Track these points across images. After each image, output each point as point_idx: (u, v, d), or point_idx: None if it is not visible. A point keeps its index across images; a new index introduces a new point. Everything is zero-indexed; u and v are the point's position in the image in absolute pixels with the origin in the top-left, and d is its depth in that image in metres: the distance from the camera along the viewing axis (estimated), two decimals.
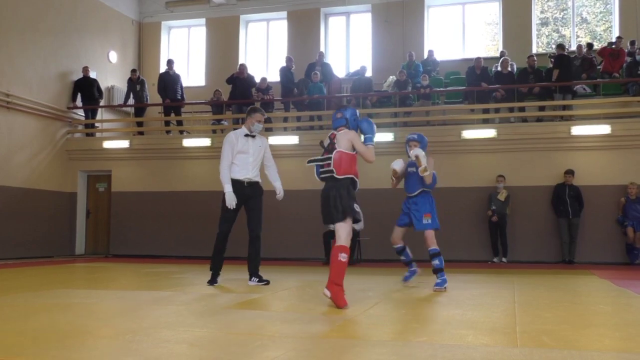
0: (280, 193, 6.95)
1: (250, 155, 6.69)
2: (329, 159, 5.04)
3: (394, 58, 14.90)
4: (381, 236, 12.20)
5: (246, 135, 6.70)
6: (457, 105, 13.50)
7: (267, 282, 6.77)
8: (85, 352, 3.25)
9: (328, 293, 4.83)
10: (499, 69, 13.15)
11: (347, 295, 4.96)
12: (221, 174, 6.60)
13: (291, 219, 12.44)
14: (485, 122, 12.65)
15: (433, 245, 6.36)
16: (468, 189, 12.15)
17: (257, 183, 6.78)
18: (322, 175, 5.13)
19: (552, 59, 12.95)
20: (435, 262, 6.32)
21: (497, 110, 12.85)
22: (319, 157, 5.17)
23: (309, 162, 5.27)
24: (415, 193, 6.62)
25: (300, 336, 3.70)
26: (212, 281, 6.84)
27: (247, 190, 6.67)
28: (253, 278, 6.83)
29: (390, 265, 10.65)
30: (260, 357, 3.10)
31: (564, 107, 12.48)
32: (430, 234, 6.39)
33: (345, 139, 5.09)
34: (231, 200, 6.51)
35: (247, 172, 6.68)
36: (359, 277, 8.17)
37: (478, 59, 13.25)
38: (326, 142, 5.19)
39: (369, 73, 14.93)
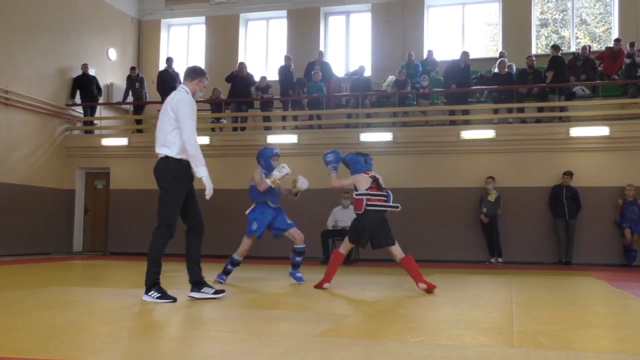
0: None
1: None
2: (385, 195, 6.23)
3: (394, 58, 14.90)
4: None
5: None
6: (456, 106, 13.49)
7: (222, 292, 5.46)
8: (83, 349, 3.26)
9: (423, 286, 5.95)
10: (496, 70, 13.17)
11: (347, 295, 4.98)
12: (195, 147, 5.10)
13: (290, 218, 12.43)
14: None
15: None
16: (467, 189, 12.16)
17: None
18: (378, 207, 6.14)
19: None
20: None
21: (496, 111, 12.88)
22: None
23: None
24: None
25: (297, 335, 3.71)
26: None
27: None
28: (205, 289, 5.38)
29: (388, 265, 10.66)
30: (259, 356, 3.11)
31: (562, 109, 12.50)
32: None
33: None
34: (211, 188, 5.23)
35: None
36: (357, 276, 8.18)
37: (465, 52, 13.19)
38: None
39: (368, 73, 14.92)
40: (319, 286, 6.30)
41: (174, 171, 5.10)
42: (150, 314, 4.55)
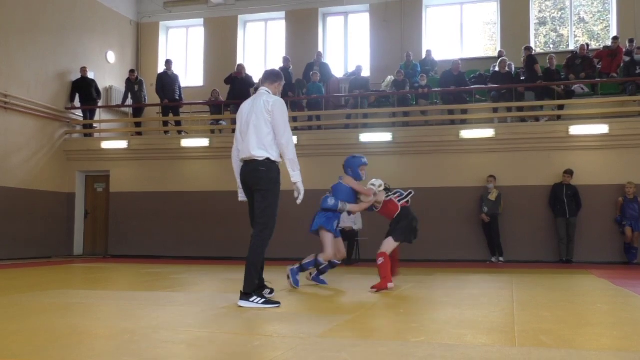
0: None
1: None
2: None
3: (392, 58, 14.91)
4: (380, 236, 12.22)
5: None
6: (455, 105, 13.49)
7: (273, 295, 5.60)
8: (83, 352, 3.25)
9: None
10: (497, 69, 13.18)
11: (347, 295, 4.97)
12: (294, 152, 5.06)
13: (291, 219, 12.43)
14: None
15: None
16: (466, 189, 12.17)
17: None
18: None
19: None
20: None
21: (496, 110, 12.88)
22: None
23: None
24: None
25: (299, 336, 3.70)
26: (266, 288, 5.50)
27: None
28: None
29: None
30: (260, 357, 3.11)
31: (559, 108, 12.52)
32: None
33: None
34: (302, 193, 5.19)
35: None
36: (358, 276, 8.18)
37: (456, 62, 13.34)
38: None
39: (367, 73, 14.93)
40: (382, 287, 6.11)
41: (276, 174, 5.07)
42: (151, 316, 4.54)
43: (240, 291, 4.96)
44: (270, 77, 5.37)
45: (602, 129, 11.70)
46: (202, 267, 10.25)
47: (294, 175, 5.04)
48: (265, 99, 5.13)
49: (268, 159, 5.00)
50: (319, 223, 6.56)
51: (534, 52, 13.27)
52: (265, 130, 5.02)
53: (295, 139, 12.81)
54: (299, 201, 5.14)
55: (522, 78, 12.93)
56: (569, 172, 11.50)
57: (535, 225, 11.87)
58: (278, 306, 4.90)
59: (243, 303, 4.88)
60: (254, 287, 4.95)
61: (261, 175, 5.01)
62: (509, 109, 12.85)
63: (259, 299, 4.90)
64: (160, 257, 12.99)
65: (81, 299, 5.60)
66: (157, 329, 3.91)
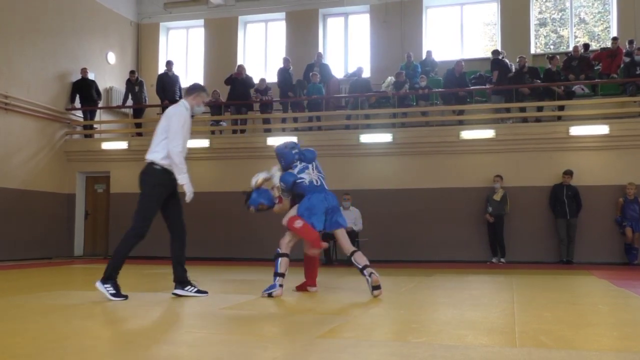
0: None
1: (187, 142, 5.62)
2: None
3: (393, 59, 14.91)
4: (380, 237, 12.24)
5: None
6: (455, 106, 13.50)
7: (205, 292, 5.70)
8: (84, 353, 3.25)
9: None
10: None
11: (348, 296, 4.97)
12: (179, 157, 5.36)
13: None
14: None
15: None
16: (466, 189, 12.17)
17: None
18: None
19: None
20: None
21: (498, 111, 12.88)
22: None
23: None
24: None
25: (299, 336, 3.70)
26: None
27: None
28: (189, 287, 5.64)
29: (390, 266, 10.65)
30: (260, 358, 3.11)
31: (559, 108, 12.52)
32: None
33: None
34: (192, 192, 5.54)
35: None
36: (358, 277, 8.17)
37: (459, 62, 13.38)
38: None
39: (367, 73, 14.93)
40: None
41: (156, 178, 5.44)
42: (152, 317, 4.55)
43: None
44: (188, 90, 5.80)
45: (602, 129, 11.70)
46: (202, 267, 10.25)
47: (179, 178, 5.44)
48: (169, 109, 5.66)
49: (152, 162, 5.46)
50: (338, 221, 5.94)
51: (502, 56, 13.46)
52: (160, 137, 5.49)
53: (295, 139, 13.01)
54: (187, 200, 5.55)
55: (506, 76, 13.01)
56: (569, 173, 11.50)
57: (536, 226, 11.87)
58: (124, 299, 5.28)
59: (98, 284, 5.36)
60: (109, 275, 5.35)
61: (142, 177, 5.52)
62: (508, 110, 12.85)
63: (111, 288, 5.32)
64: (160, 258, 12.98)
65: (82, 299, 5.60)
66: (157, 329, 3.91)
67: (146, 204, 5.43)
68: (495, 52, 13.41)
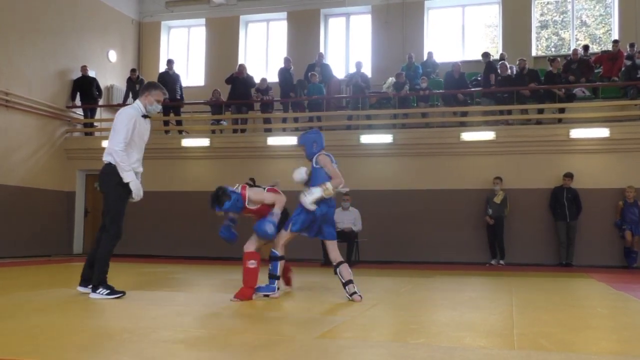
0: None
1: (144, 142, 5.73)
2: None
3: (394, 59, 14.90)
4: (379, 237, 12.23)
5: (143, 115, 5.63)
6: (456, 107, 13.50)
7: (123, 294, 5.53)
8: (83, 351, 3.25)
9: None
10: (498, 71, 13.17)
11: (347, 297, 4.96)
12: (120, 156, 5.38)
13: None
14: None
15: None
16: (466, 191, 12.17)
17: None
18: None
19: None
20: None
21: (501, 112, 12.87)
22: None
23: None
24: None
25: (298, 337, 3.70)
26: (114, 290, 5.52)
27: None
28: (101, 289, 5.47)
29: (389, 267, 10.66)
30: (258, 358, 3.10)
31: (560, 111, 12.51)
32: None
33: None
34: (139, 190, 5.61)
35: (140, 163, 5.78)
36: (357, 278, 8.15)
37: (456, 64, 13.39)
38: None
39: (368, 74, 14.90)
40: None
41: (115, 177, 5.48)
42: (151, 315, 4.55)
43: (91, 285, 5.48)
44: (139, 91, 5.83)
45: (602, 132, 11.70)
46: (201, 267, 10.24)
47: (123, 176, 5.47)
48: (121, 109, 5.74)
49: (109, 163, 5.50)
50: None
51: (494, 58, 13.51)
52: (111, 137, 5.57)
53: (295, 139, 12.96)
54: (133, 200, 5.64)
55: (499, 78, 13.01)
56: (569, 175, 11.51)
57: (535, 229, 11.87)
58: (122, 295, 5.40)
59: (92, 295, 5.39)
60: (99, 280, 5.44)
61: (101, 178, 5.59)
62: (509, 112, 12.84)
63: (104, 290, 5.40)
64: (160, 256, 12.98)
65: (81, 298, 5.60)
66: (156, 328, 3.91)
67: (112, 204, 5.53)
68: (485, 55, 13.45)
